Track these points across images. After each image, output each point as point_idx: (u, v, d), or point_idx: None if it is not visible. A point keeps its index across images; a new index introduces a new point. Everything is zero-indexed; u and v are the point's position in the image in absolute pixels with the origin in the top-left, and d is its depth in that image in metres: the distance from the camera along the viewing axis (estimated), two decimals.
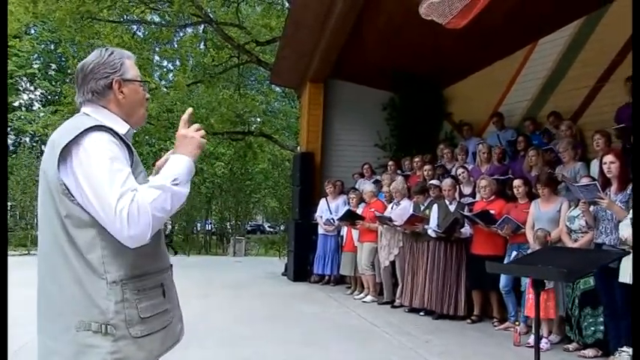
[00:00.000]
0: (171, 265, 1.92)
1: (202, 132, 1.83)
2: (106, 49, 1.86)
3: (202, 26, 17.88)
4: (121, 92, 1.82)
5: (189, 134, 1.79)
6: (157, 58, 20.07)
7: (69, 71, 20.95)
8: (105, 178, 1.58)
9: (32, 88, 27.85)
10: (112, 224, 1.56)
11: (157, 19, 18.02)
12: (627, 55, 7.23)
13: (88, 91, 1.80)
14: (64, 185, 1.63)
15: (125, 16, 16.55)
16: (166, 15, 16.68)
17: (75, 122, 1.72)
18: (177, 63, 20.45)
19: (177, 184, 1.65)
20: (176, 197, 1.65)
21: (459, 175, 7.45)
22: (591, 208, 4.93)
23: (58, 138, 1.66)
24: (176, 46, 18.08)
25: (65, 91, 17.67)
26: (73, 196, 1.63)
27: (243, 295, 8.54)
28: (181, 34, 18.57)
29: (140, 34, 17.87)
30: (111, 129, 1.71)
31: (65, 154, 1.62)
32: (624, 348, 4.47)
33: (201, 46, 18.98)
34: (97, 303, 1.63)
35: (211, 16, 16.40)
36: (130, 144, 1.79)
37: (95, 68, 1.80)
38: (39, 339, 1.74)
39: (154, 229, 1.61)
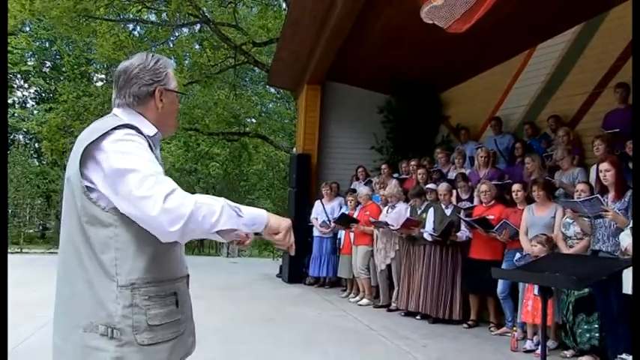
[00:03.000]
0: (188, 275, 1.85)
1: (292, 241, 1.80)
2: (152, 55, 1.84)
3: (199, 26, 17.84)
4: (161, 101, 1.81)
5: (288, 222, 1.78)
6: None
7: (63, 69, 20.84)
8: (139, 160, 1.57)
9: (26, 85, 27.68)
10: (142, 206, 1.51)
11: (153, 18, 17.96)
12: (626, 62, 7.27)
13: (129, 95, 1.78)
14: (86, 186, 1.61)
15: (122, 15, 16.49)
16: (163, 14, 16.64)
17: (101, 123, 1.70)
18: (174, 63, 20.43)
19: (234, 209, 1.60)
20: (227, 215, 1.57)
21: (459, 187, 7.41)
22: (598, 220, 4.90)
23: (84, 139, 1.64)
24: (172, 45, 17.98)
25: (60, 88, 17.56)
26: (92, 197, 1.60)
27: (238, 297, 8.50)
28: (178, 34, 18.52)
29: (137, 33, 17.82)
30: (137, 128, 1.69)
31: (92, 152, 1.60)
32: (623, 355, 4.47)
33: (198, 46, 18.92)
34: (106, 305, 1.60)
35: (208, 16, 16.36)
36: (155, 148, 1.77)
37: (140, 73, 1.78)
38: (53, 338, 1.72)
39: (185, 231, 1.51)
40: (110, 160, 1.57)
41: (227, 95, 19.18)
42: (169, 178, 1.58)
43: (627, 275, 4.14)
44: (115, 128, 1.63)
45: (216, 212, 1.54)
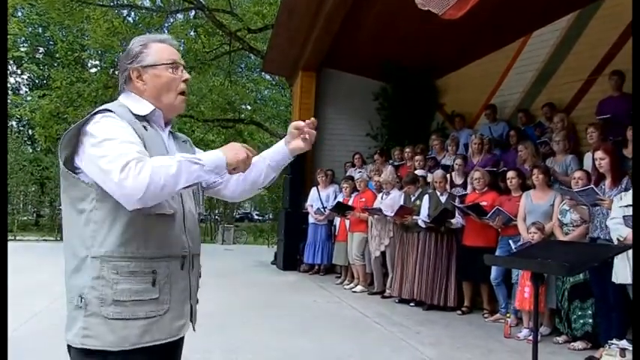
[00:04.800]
0: (184, 256, 1.78)
1: (250, 152, 1.75)
2: (135, 38, 1.86)
3: (193, 12, 17.70)
4: (140, 80, 1.80)
5: (239, 146, 1.74)
6: None
7: (57, 55, 20.67)
8: (108, 139, 1.58)
9: (19, 71, 27.48)
10: (110, 178, 1.54)
11: (147, 4, 17.81)
12: (620, 50, 7.27)
13: (120, 84, 1.86)
14: (73, 165, 1.66)
15: (116, 1, 16.33)
16: (157, 0, 16.50)
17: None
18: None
19: (194, 162, 1.59)
20: (186, 171, 1.56)
21: (457, 165, 7.43)
22: (596, 208, 4.91)
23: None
24: (167, 32, 17.86)
25: (54, 75, 17.43)
26: (77, 174, 1.66)
27: (233, 284, 8.52)
28: (172, 20, 18.36)
29: (130, 19, 17.65)
30: (119, 111, 1.70)
31: (80, 136, 1.64)
32: (614, 341, 4.51)
33: (192, 33, 18.79)
34: (80, 276, 1.64)
35: (203, 2, 16.23)
36: (154, 125, 1.79)
37: (120, 61, 1.84)
38: None
39: (150, 195, 1.52)
40: (88, 141, 1.61)
41: (222, 82, 19.09)
42: (132, 150, 1.57)
43: (617, 264, 4.17)
44: (95, 113, 1.66)
45: (174, 173, 1.54)
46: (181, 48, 18.64)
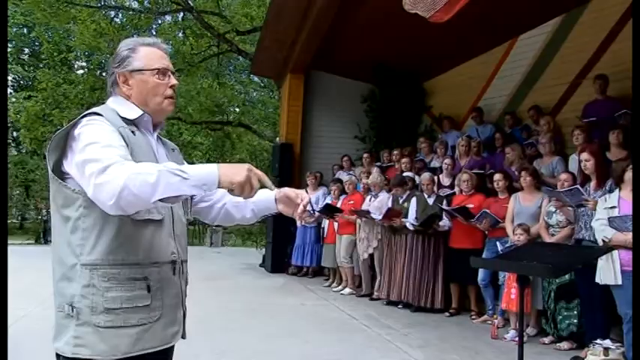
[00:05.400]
0: (176, 262, 1.75)
1: (256, 179, 1.58)
2: (126, 39, 1.84)
3: (182, 14, 17.65)
4: (126, 85, 1.78)
5: (245, 169, 1.55)
6: None
7: (42, 56, 20.50)
8: (93, 143, 1.55)
9: None
10: (89, 183, 1.50)
11: (135, 5, 17.73)
12: (604, 54, 7.37)
13: (108, 86, 1.83)
14: (60, 171, 1.64)
15: (103, 1, 16.24)
16: (145, 1, 16.43)
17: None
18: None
19: (176, 174, 1.46)
20: (164, 181, 1.44)
21: (445, 165, 7.47)
22: (581, 209, 4.96)
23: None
24: (155, 33, 17.77)
25: (39, 76, 17.28)
26: (64, 179, 1.63)
27: (221, 287, 8.49)
28: (160, 22, 18.30)
29: (118, 20, 17.57)
30: (107, 114, 1.68)
31: (68, 139, 1.62)
32: (598, 341, 4.56)
33: (181, 35, 18.73)
34: (70, 284, 1.61)
35: (191, 4, 16.20)
36: (143, 129, 1.77)
37: (109, 63, 1.83)
38: None
39: (124, 202, 1.44)
40: (76, 145, 1.58)
41: (210, 84, 19.04)
42: (113, 154, 1.52)
43: (601, 266, 4.21)
44: (83, 116, 1.65)
45: (152, 182, 1.43)
46: (169, 50, 18.66)
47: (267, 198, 2.02)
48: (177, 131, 20.43)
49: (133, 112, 1.75)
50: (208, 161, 23.34)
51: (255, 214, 2.07)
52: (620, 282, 4.17)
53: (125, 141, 1.64)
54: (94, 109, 1.68)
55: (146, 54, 1.79)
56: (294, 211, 1.98)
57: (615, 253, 4.15)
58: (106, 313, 1.59)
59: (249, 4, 17.39)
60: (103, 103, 1.81)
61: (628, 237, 4.11)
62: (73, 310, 1.59)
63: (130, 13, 17.11)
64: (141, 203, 1.48)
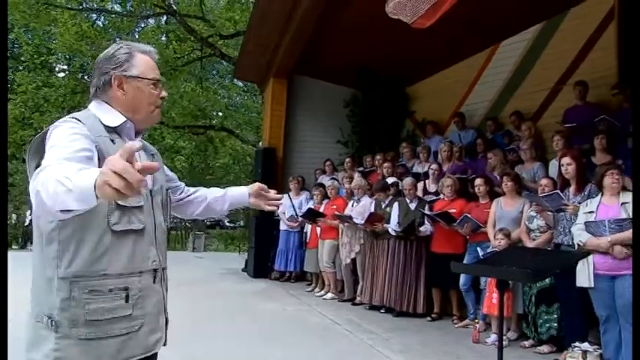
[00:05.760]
0: (156, 270, 1.75)
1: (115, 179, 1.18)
2: (118, 43, 1.81)
3: (165, 17, 17.57)
4: (121, 89, 1.75)
5: (115, 168, 1.16)
6: None
7: (22, 58, 20.26)
8: (54, 149, 1.49)
9: None
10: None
11: (118, 8, 17.61)
12: (583, 60, 7.47)
13: (93, 86, 1.77)
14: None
15: (84, 4, 16.09)
16: (128, 5, 16.32)
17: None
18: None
19: (61, 183, 1.26)
20: (55, 191, 1.27)
21: (432, 171, 7.48)
22: (560, 214, 5.00)
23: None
24: (137, 37, 17.66)
25: (19, 79, 17.05)
26: None
27: (203, 292, 8.43)
28: (143, 25, 18.19)
29: (100, 23, 17.43)
30: (87, 120, 1.64)
31: (42, 148, 1.57)
32: (577, 344, 4.61)
33: (164, 38, 18.63)
34: (48, 297, 1.58)
35: (174, 8, 16.13)
36: (125, 137, 1.73)
37: (100, 63, 1.76)
38: None
39: (43, 210, 1.32)
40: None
41: (193, 88, 18.95)
42: (59, 155, 1.43)
43: (578, 269, 4.27)
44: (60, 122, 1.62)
45: (52, 191, 1.27)
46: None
47: (241, 193, 2.21)
48: (159, 135, 20.29)
49: (116, 119, 1.73)
50: (191, 165, 23.25)
51: (230, 207, 2.23)
52: (593, 285, 4.22)
53: (100, 150, 1.59)
54: (74, 115, 1.65)
55: (143, 62, 1.78)
56: (264, 203, 2.20)
57: (590, 256, 4.20)
58: (88, 326, 1.57)
59: (233, 8, 17.37)
60: (85, 107, 1.78)
61: (600, 241, 4.16)
62: (52, 323, 1.56)
63: (113, 16, 16.99)
64: (53, 212, 1.31)
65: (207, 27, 17.02)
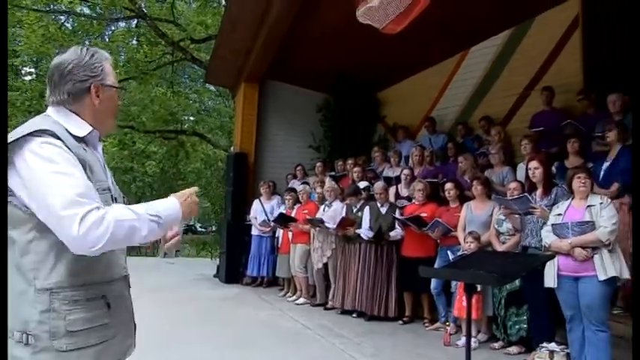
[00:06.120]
0: (126, 276, 1.81)
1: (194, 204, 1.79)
2: (87, 49, 1.77)
3: (135, 21, 17.36)
4: (98, 97, 1.73)
5: (192, 196, 1.78)
6: None
7: None
8: (59, 176, 1.49)
9: None
10: (65, 225, 1.45)
11: (87, 10, 17.33)
12: (550, 66, 7.62)
13: (64, 92, 1.70)
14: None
15: (52, 5, 15.80)
16: (97, 7, 16.08)
17: (29, 123, 1.61)
18: (109, 56, 19.78)
19: (154, 221, 1.59)
20: (145, 231, 1.57)
21: (404, 176, 7.50)
22: (527, 216, 5.08)
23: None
24: (108, 40, 17.41)
25: None
26: (11, 200, 1.54)
27: (175, 298, 8.32)
28: (113, 28, 17.94)
29: (69, 25, 17.14)
30: (60, 133, 1.60)
31: (11, 155, 1.52)
32: (544, 344, 4.69)
33: (134, 42, 18.40)
34: (21, 311, 1.53)
35: (145, 11, 15.94)
36: (90, 147, 1.71)
37: (74, 69, 1.70)
38: None
39: (105, 247, 1.48)
40: (31, 172, 1.50)
41: (164, 92, 18.75)
42: (90, 194, 1.51)
43: (546, 270, 4.35)
44: (31, 134, 1.54)
45: (137, 228, 1.54)
46: (122, 57, 18.28)
47: None
48: (130, 140, 20.02)
49: (83, 129, 1.70)
50: (162, 170, 22.97)
51: None
52: (556, 285, 4.30)
53: (81, 162, 1.58)
54: (42, 126, 1.58)
55: (111, 70, 1.79)
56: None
57: (556, 258, 4.28)
58: (68, 337, 1.55)
59: (204, 12, 17.27)
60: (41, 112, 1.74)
61: (562, 243, 4.24)
62: (27, 338, 1.51)
63: (82, 19, 16.72)
64: (121, 247, 1.61)
65: (178, 31, 16.87)
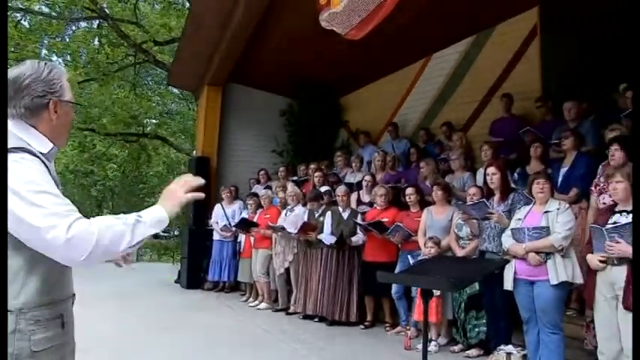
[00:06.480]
0: (74, 294, 1.79)
1: (189, 193, 1.76)
2: (45, 63, 1.73)
3: (97, 21, 17.02)
4: (56, 113, 1.70)
5: (177, 191, 1.74)
6: (44, 51, 18.78)
7: None
8: (40, 190, 1.48)
9: None
10: (52, 237, 1.43)
11: (45, 9, 16.90)
12: (509, 74, 7.78)
13: (21, 107, 1.66)
14: None
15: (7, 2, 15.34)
16: (57, 6, 15.71)
17: None
18: (68, 58, 19.31)
19: (137, 220, 1.57)
20: (131, 232, 1.54)
21: (365, 182, 7.50)
22: (485, 222, 5.14)
23: None
24: (68, 40, 17.01)
25: None
26: None
27: (135, 304, 8.16)
28: (74, 28, 17.55)
29: (26, 23, 16.69)
30: (30, 150, 1.57)
31: None
32: (502, 346, 4.76)
33: (96, 42, 18.02)
34: None
35: (107, 12, 15.65)
36: (50, 164, 1.66)
37: (33, 84, 1.66)
38: None
39: (92, 258, 1.48)
40: (10, 187, 1.46)
41: (126, 95, 18.43)
42: (70, 205, 1.51)
43: (506, 273, 4.42)
44: (12, 150, 1.52)
45: (120, 234, 1.52)
46: (83, 58, 17.88)
47: None
48: (90, 142, 19.62)
49: (46, 145, 1.67)
50: (123, 174, 22.58)
51: None
52: (512, 288, 4.38)
53: (52, 178, 1.57)
54: (19, 144, 1.55)
55: (68, 86, 1.77)
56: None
57: (513, 261, 4.36)
58: (32, 357, 1.52)
59: (168, 14, 17.03)
60: None
61: (517, 248, 4.31)
62: None
63: (40, 17, 16.30)
64: (110, 256, 1.55)
65: (141, 32, 16.61)
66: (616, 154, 4.50)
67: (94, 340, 5.18)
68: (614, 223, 3.73)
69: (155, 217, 1.62)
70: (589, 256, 3.83)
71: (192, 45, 9.79)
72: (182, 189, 1.74)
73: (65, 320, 1.66)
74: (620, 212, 3.77)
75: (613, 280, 3.64)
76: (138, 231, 1.55)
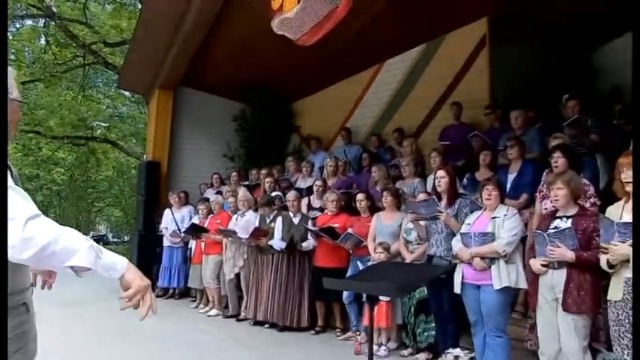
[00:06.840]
0: (32, 284, 1.83)
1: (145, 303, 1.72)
2: None
3: (44, 20, 16.53)
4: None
5: (148, 286, 1.73)
6: None
7: None
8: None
9: None
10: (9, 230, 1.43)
11: None
12: (459, 82, 7.96)
13: None
14: None
15: None
16: None
17: None
18: (12, 57, 18.65)
19: (95, 251, 1.55)
20: (83, 254, 1.51)
21: (316, 187, 7.49)
22: (433, 226, 5.21)
23: None
24: (11, 37, 16.45)
25: None
26: None
27: (82, 313, 7.90)
28: (18, 26, 17.00)
29: None
30: None
31: None
32: (450, 350, 4.83)
33: (42, 42, 17.48)
34: None
35: (54, 10, 15.22)
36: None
37: None
38: None
39: (36, 259, 1.46)
40: None
41: (75, 97, 17.94)
42: (30, 204, 1.51)
43: (456, 277, 4.50)
44: None
45: (74, 248, 1.49)
46: (28, 57, 17.30)
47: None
48: (35, 145, 19.00)
49: None
50: (71, 178, 21.94)
51: None
52: (460, 291, 4.46)
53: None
54: None
55: (15, 84, 1.73)
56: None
57: (462, 265, 4.44)
58: None
59: (119, 15, 16.69)
60: None
61: (463, 253, 4.40)
62: None
63: None
64: (54, 264, 1.50)
65: (91, 33, 16.23)
66: (559, 161, 4.66)
67: (41, 353, 5.01)
68: (555, 228, 3.85)
69: (112, 262, 1.63)
70: (532, 261, 3.94)
71: (142, 48, 9.61)
72: (143, 289, 1.72)
73: (30, 308, 1.70)
74: (561, 217, 3.90)
75: (554, 283, 3.75)
76: (90, 259, 1.53)
